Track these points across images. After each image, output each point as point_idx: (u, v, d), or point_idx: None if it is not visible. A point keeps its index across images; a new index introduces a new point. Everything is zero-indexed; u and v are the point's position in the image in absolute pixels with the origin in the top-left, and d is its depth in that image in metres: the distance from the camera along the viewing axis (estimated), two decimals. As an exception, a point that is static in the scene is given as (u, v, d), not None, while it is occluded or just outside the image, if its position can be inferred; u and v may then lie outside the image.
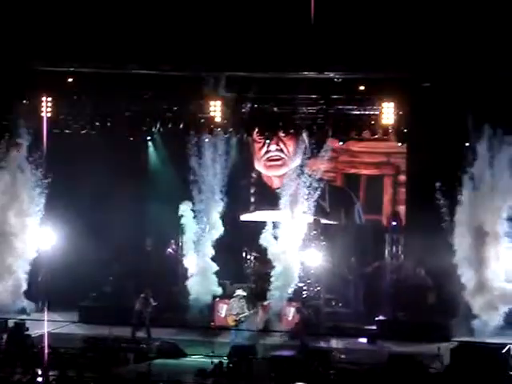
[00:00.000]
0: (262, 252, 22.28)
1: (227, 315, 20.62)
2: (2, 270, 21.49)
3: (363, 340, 20.64)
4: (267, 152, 23.64)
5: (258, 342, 20.33)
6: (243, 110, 20.68)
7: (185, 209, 21.75)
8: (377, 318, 21.17)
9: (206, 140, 21.46)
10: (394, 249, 22.25)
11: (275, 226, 22.16)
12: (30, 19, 19.64)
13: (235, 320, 20.42)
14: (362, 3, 18.73)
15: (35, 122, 20.94)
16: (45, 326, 18.80)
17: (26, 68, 20.23)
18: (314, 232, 22.38)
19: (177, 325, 21.11)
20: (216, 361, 18.40)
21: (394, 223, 22.55)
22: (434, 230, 20.80)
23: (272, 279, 21.76)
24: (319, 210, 22.88)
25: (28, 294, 22.01)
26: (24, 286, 21.87)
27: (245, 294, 20.70)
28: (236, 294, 20.72)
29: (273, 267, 21.85)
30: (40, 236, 21.98)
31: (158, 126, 21.03)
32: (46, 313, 19.82)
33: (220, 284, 22.00)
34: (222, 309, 21.28)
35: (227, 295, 21.32)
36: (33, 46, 19.82)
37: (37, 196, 21.59)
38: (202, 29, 19.25)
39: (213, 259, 22.11)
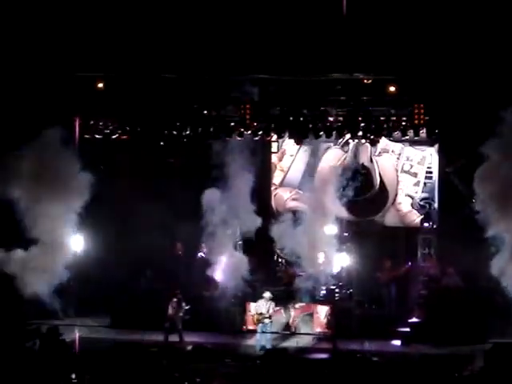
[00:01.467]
0: (293, 254, 22.28)
1: (253, 314, 20.70)
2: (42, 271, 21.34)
3: (397, 342, 20.57)
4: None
5: (289, 345, 20.43)
6: (273, 113, 20.69)
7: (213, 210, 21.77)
8: (410, 320, 21.07)
9: (235, 142, 21.54)
10: (427, 250, 22.17)
11: (307, 226, 22.18)
12: (61, 25, 19.74)
13: (258, 319, 20.51)
14: (390, 5, 18.64)
15: (67, 127, 20.94)
16: (77, 330, 19.02)
17: (57, 73, 20.29)
18: (346, 234, 22.38)
19: (209, 328, 21.18)
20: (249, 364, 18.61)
21: (426, 224, 22.47)
22: (467, 231, 20.67)
23: (303, 281, 21.79)
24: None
25: (60, 298, 22.03)
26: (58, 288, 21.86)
27: (272, 296, 20.73)
28: (264, 295, 20.77)
29: (304, 269, 21.89)
30: (73, 239, 21.95)
31: (188, 129, 21.06)
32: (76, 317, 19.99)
33: (251, 286, 21.99)
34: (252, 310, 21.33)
35: (258, 297, 21.31)
36: (64, 51, 19.92)
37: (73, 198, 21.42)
38: (232, 32, 19.26)
39: (244, 262, 22.13)
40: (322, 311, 21.69)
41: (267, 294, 20.81)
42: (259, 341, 20.41)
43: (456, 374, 17.52)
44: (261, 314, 20.60)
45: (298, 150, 23.74)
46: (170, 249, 22.99)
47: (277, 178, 24.39)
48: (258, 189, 22.45)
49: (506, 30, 18.36)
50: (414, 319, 21.11)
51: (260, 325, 20.61)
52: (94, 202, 21.48)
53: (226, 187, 21.80)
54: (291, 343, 20.68)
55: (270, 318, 20.66)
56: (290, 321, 21.71)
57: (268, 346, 20.10)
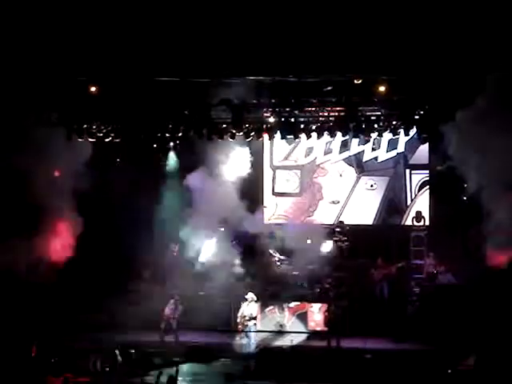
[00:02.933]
0: (288, 254, 22.50)
1: (238, 318, 20.79)
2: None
3: (390, 340, 20.71)
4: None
5: (284, 344, 20.59)
6: (265, 114, 20.83)
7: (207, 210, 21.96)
8: (402, 318, 21.22)
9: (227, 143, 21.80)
10: (419, 248, 22.36)
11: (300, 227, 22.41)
12: (52, 29, 19.77)
13: (243, 323, 20.60)
14: (381, 6, 18.77)
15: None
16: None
17: (50, 77, 20.38)
18: (338, 233, 22.53)
19: (205, 328, 21.33)
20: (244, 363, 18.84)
21: (418, 222, 22.65)
22: (459, 228, 20.91)
23: (298, 281, 22.01)
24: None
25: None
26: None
27: (254, 297, 20.84)
28: (247, 296, 20.88)
29: (298, 268, 22.12)
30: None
31: (180, 132, 21.18)
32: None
33: (248, 287, 22.09)
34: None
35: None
36: (56, 55, 19.99)
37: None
38: (222, 34, 19.35)
39: (239, 263, 22.36)
40: (316, 310, 21.87)
41: (250, 296, 20.84)
42: (248, 343, 20.56)
43: (449, 370, 17.73)
44: (244, 316, 20.69)
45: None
46: (165, 249, 23.11)
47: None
48: (251, 188, 22.71)
49: (496, 30, 18.50)
50: (407, 316, 21.28)
51: (246, 327, 20.70)
52: (90, 203, 21.72)
53: (220, 188, 22.10)
54: (286, 342, 20.84)
55: (254, 319, 20.72)
56: (285, 320, 21.89)
57: (254, 347, 20.28)
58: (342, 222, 23.02)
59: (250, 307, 20.64)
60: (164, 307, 20.75)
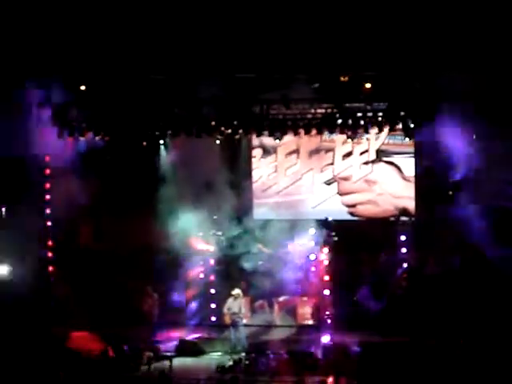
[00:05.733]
0: (277, 249, 22.70)
1: (225, 313, 20.98)
2: None
3: (379, 333, 20.94)
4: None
5: (273, 338, 20.85)
6: (253, 112, 20.99)
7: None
8: (389, 311, 21.44)
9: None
10: (405, 241, 22.56)
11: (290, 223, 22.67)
12: (44, 24, 19.88)
13: (233, 319, 20.80)
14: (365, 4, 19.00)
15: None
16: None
17: (40, 76, 20.51)
18: (327, 229, 22.72)
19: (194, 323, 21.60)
20: (235, 357, 19.08)
21: (404, 216, 22.86)
22: (444, 222, 21.18)
23: (287, 275, 22.23)
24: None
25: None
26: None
27: (241, 293, 21.05)
28: (233, 292, 21.10)
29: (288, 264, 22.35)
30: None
31: (170, 130, 21.35)
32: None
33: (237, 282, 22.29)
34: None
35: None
36: (44, 53, 20.11)
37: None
38: (212, 32, 19.49)
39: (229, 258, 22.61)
40: (305, 304, 22.11)
41: (236, 291, 21.00)
42: (236, 337, 20.77)
43: (436, 360, 17.96)
44: (234, 313, 20.83)
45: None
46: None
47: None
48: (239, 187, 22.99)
49: (480, 28, 18.74)
50: (394, 309, 21.50)
51: (235, 322, 20.86)
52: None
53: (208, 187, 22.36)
54: (275, 336, 21.09)
55: (242, 314, 20.91)
56: (274, 315, 22.12)
57: (244, 342, 20.52)
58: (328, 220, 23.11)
59: (236, 302, 20.86)
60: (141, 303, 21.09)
